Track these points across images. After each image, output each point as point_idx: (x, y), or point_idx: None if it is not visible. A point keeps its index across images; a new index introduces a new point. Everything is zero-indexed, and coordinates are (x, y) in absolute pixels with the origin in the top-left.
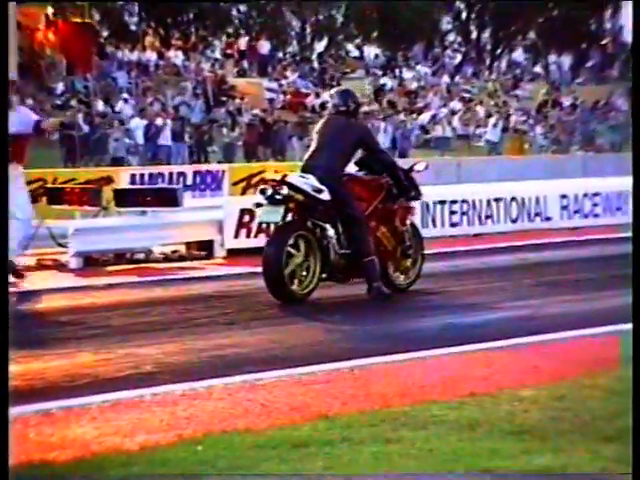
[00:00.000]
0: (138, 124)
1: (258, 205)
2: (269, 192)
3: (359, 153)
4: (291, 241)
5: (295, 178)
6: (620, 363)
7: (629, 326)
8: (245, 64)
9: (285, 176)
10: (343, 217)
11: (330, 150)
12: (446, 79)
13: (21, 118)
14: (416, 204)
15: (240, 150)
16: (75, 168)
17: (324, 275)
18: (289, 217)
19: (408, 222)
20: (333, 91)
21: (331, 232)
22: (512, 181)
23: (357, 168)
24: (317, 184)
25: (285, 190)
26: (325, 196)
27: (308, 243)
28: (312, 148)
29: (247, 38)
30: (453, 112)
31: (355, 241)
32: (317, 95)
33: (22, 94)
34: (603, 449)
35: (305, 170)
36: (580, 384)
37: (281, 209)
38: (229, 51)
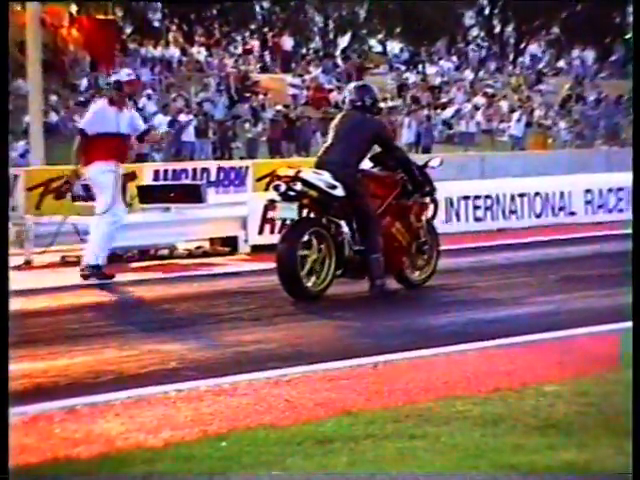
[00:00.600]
0: (161, 121)
1: (272, 202)
2: (282, 188)
3: (375, 149)
4: (305, 238)
5: (309, 174)
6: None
7: None
8: (268, 60)
9: (299, 172)
10: (356, 213)
11: (345, 145)
12: (469, 74)
13: (132, 121)
14: (440, 199)
15: (264, 146)
16: None
17: (339, 272)
18: (303, 213)
19: (423, 218)
20: (350, 86)
21: (346, 229)
22: (536, 176)
23: (371, 164)
24: (331, 180)
25: (299, 186)
26: (339, 192)
27: (323, 239)
28: (327, 143)
29: (270, 34)
30: (476, 107)
31: (366, 238)
32: (340, 90)
33: (46, 91)
34: (627, 444)
35: (319, 165)
36: (604, 379)
37: (295, 205)
38: (249, 47)
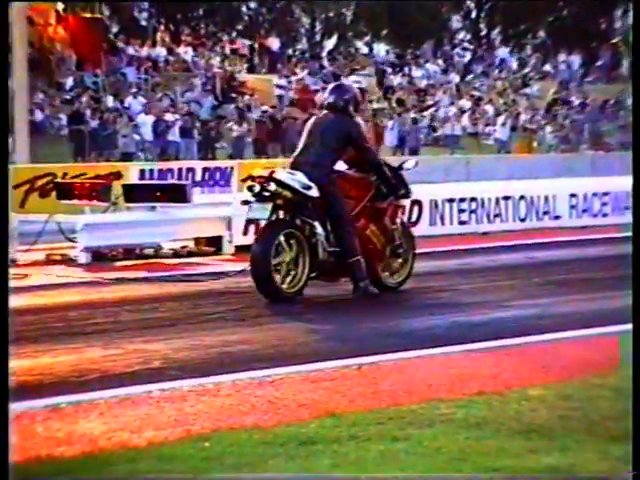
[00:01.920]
0: (145, 120)
1: (245, 202)
2: (256, 189)
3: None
4: (280, 239)
5: (283, 174)
6: (628, 363)
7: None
8: (255, 61)
9: (273, 172)
10: (331, 215)
11: (319, 146)
12: (455, 77)
13: None
14: (425, 202)
15: (249, 146)
16: (84, 163)
17: (313, 274)
18: (277, 214)
19: (398, 221)
20: (329, 86)
21: (320, 230)
22: (521, 180)
23: (346, 166)
24: (305, 180)
25: (273, 187)
26: (314, 193)
27: (297, 241)
28: (301, 144)
29: (257, 35)
30: (462, 110)
31: (342, 240)
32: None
33: (31, 89)
34: (611, 449)
35: (294, 166)
36: (588, 383)
37: (269, 206)
38: (235, 46)
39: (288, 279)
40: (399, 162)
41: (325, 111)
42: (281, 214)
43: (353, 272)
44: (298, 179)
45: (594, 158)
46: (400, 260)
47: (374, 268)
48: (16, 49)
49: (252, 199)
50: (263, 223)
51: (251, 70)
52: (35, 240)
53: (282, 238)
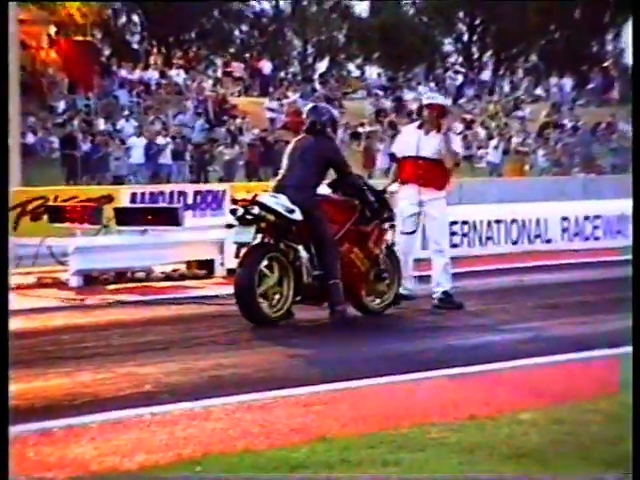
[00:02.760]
0: (136, 143)
1: (229, 226)
2: (240, 212)
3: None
4: (263, 263)
5: (266, 198)
6: (621, 387)
7: (630, 349)
8: (247, 83)
9: (256, 196)
10: (315, 238)
11: (300, 169)
12: (448, 100)
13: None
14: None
15: (241, 169)
16: (76, 186)
17: (297, 297)
18: (261, 238)
19: (383, 245)
20: (306, 108)
21: (303, 253)
22: (513, 202)
23: (330, 190)
24: (288, 204)
25: (256, 210)
26: (297, 216)
27: (281, 265)
28: (283, 167)
29: (249, 58)
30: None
31: (324, 263)
32: None
33: (23, 112)
34: (604, 474)
35: (277, 189)
36: (581, 408)
37: (252, 229)
38: (228, 69)
39: (272, 303)
40: (383, 185)
41: (304, 133)
42: (265, 238)
43: (331, 295)
44: (281, 202)
45: (586, 181)
46: (384, 284)
47: (358, 292)
48: (8, 72)
49: (235, 222)
50: (246, 248)
51: (244, 93)
52: (31, 263)
53: (266, 262)
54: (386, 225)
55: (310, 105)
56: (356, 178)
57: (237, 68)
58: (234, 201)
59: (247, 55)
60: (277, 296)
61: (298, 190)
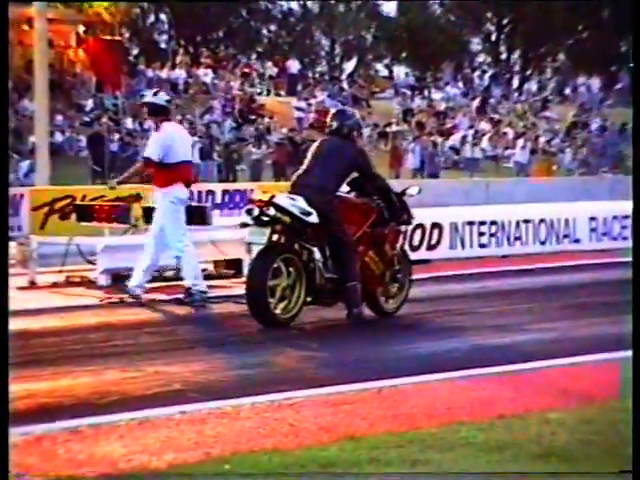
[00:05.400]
0: None
1: (244, 225)
2: (255, 213)
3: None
4: (276, 264)
5: (283, 199)
6: None
7: None
8: (275, 83)
9: (273, 197)
10: (331, 240)
11: (322, 171)
12: (475, 100)
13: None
14: (445, 225)
15: (269, 169)
16: (104, 185)
17: (309, 299)
18: (275, 238)
19: (398, 246)
20: (331, 111)
21: (318, 255)
22: (541, 203)
23: (348, 189)
24: (305, 206)
25: (272, 211)
26: (313, 219)
27: (294, 266)
28: (303, 167)
29: (277, 57)
30: (482, 133)
31: (342, 265)
32: None
33: (52, 111)
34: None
35: (294, 188)
36: (609, 407)
37: (267, 230)
38: (250, 69)
39: (283, 304)
40: (402, 188)
41: (328, 136)
42: (279, 239)
43: (349, 297)
44: (298, 205)
45: (613, 181)
46: (398, 285)
47: (373, 293)
48: (37, 71)
49: (250, 222)
50: (259, 248)
51: (273, 93)
52: (62, 262)
53: (279, 263)
54: (402, 227)
55: (336, 108)
56: (382, 180)
57: (262, 69)
58: (251, 201)
59: (275, 54)
60: (288, 297)
61: (317, 192)
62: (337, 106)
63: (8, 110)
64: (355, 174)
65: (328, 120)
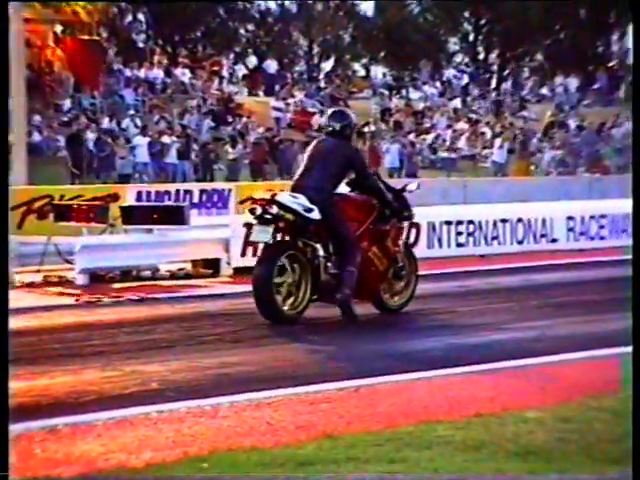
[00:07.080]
0: (140, 142)
1: (247, 225)
2: (258, 211)
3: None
4: (281, 261)
5: (285, 197)
6: (626, 385)
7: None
8: (251, 83)
9: (275, 195)
10: (334, 237)
11: (320, 171)
12: (454, 101)
13: None
14: (423, 224)
15: (246, 169)
16: (82, 185)
17: (314, 296)
18: (279, 237)
19: (401, 243)
20: (329, 112)
21: (321, 252)
22: (518, 202)
23: (349, 188)
24: (307, 203)
25: (275, 209)
26: (315, 215)
27: (299, 263)
28: (301, 169)
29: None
30: (460, 133)
31: (345, 261)
32: (323, 114)
33: (29, 110)
34: (609, 471)
35: (295, 189)
36: (586, 406)
37: (271, 228)
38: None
39: (290, 301)
40: (402, 185)
41: (325, 136)
42: (283, 236)
43: (342, 278)
44: (300, 202)
45: (591, 181)
46: (403, 282)
47: (376, 290)
48: (14, 70)
49: (254, 221)
50: (263, 246)
51: (250, 93)
52: (41, 262)
53: (284, 260)
54: (404, 224)
55: (333, 109)
56: (374, 181)
57: (240, 68)
58: (252, 200)
59: (252, 54)
60: (295, 294)
61: (317, 191)
62: (314, 106)
63: (8, 110)
64: (354, 174)
65: (325, 121)
